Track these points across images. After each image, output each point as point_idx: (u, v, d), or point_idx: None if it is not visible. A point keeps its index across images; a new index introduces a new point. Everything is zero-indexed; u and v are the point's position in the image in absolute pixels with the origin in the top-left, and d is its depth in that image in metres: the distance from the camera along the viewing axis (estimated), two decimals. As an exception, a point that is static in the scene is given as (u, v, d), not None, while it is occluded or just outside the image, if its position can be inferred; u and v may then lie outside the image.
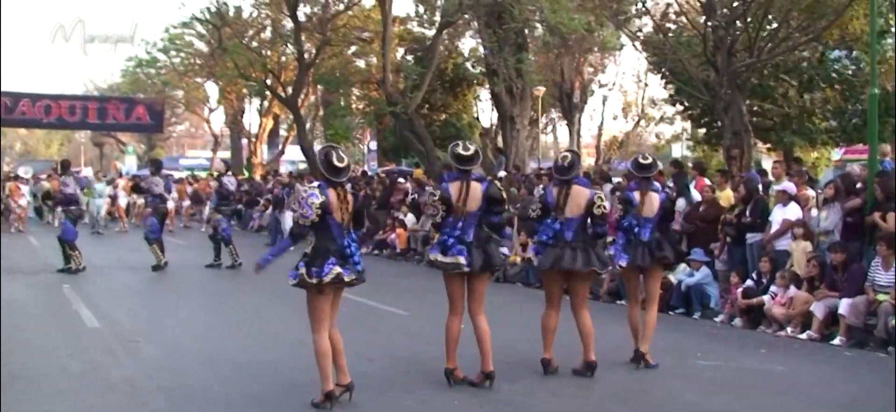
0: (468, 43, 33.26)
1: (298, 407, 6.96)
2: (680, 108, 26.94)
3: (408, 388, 7.65)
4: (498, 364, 7.79)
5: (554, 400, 7.46)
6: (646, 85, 33.20)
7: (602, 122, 45.48)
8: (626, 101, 44.45)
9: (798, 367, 9.25)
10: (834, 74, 21.70)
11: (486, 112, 39.49)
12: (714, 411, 7.40)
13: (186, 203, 30.51)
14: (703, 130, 25.52)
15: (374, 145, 40.33)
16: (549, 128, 49.25)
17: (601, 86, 42.53)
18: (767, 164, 18.66)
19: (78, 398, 7.34)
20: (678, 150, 39.03)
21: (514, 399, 7.41)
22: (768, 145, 24.29)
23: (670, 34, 19.57)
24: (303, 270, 6.72)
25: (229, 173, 19.76)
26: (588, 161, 39.74)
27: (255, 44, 33.53)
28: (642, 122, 42.82)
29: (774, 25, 18.02)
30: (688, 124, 29.21)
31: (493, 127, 34.87)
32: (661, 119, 35.57)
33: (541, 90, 34.09)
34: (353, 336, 10.17)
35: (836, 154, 26.97)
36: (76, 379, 8.01)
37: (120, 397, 7.42)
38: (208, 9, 31.12)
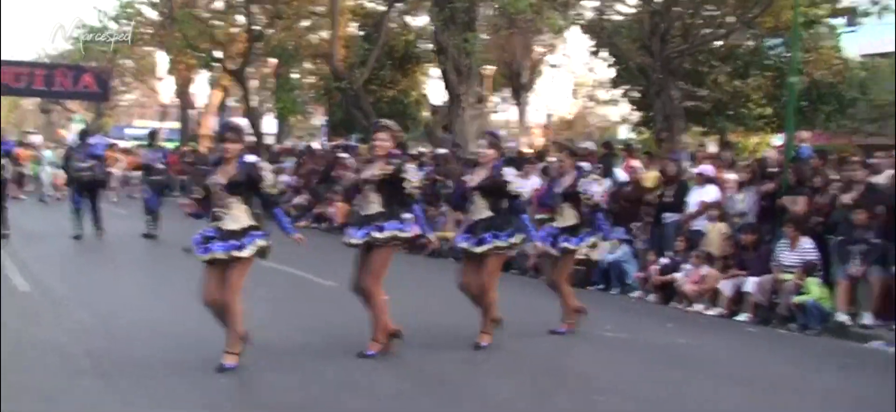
0: (421, 20, 33.44)
1: (216, 374, 7.14)
2: (621, 91, 27.45)
3: (330, 358, 7.86)
4: (419, 335, 8.20)
5: (463, 368, 7.87)
6: (591, 69, 33.57)
7: (550, 103, 45.86)
8: (575, 83, 44.83)
9: (700, 341, 9.79)
10: (768, 62, 22.27)
11: (436, 90, 39.72)
12: (608, 379, 7.84)
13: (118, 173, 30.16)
14: (640, 113, 26.02)
15: (325, 120, 40.39)
16: (502, 107, 49.60)
17: (551, 67, 42.89)
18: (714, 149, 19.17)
19: (5, 361, 7.54)
20: (625, 133, 39.56)
21: (425, 368, 7.81)
22: (703, 130, 24.88)
23: (610, 18, 19.99)
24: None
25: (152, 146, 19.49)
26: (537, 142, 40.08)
27: (206, 15, 33.43)
28: (590, 104, 43.24)
29: (712, 12, 18.48)
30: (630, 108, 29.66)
31: (443, 104, 35.14)
32: (608, 101, 35.99)
33: (491, 70, 34.46)
34: (285, 308, 10.62)
35: (778, 139, 27.61)
36: (5, 342, 8.19)
37: (45, 359, 7.64)
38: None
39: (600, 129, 41.83)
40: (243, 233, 7.16)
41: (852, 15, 17.29)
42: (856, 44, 28.28)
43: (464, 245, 8.39)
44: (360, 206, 7.93)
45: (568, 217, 9.31)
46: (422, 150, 25.69)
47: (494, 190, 8.40)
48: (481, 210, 8.37)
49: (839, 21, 22.68)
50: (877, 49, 27.43)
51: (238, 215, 7.18)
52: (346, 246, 7.91)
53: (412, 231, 8.00)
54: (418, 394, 7.01)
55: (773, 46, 23.41)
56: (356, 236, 7.75)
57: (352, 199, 8.03)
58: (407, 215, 7.94)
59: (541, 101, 46.74)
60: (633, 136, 32.69)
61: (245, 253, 7.14)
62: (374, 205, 7.80)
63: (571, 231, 9.25)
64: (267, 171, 7.42)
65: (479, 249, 8.28)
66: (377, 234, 7.69)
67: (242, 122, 41.45)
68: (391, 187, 7.80)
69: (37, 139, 34.23)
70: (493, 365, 8.01)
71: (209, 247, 7.11)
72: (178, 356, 7.65)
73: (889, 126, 22.26)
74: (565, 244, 9.22)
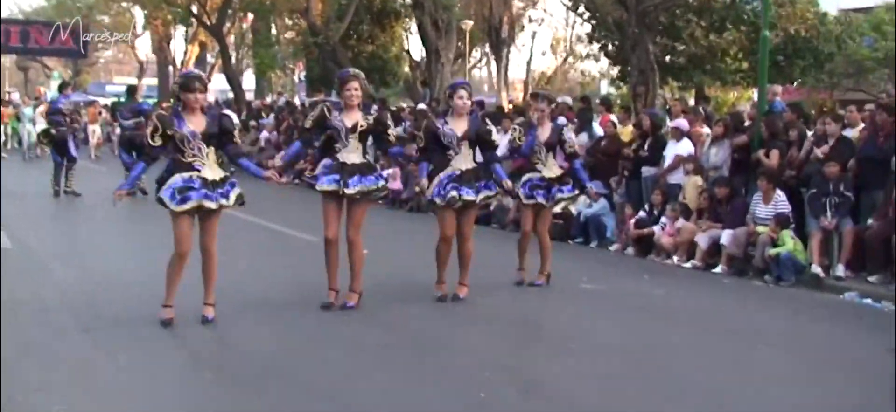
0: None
1: (193, 328, 7.26)
2: (597, 46, 27.52)
3: (309, 311, 7.94)
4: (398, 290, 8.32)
5: (441, 322, 8.00)
6: (573, 23, 33.69)
7: (530, 58, 45.96)
8: (555, 38, 44.90)
9: (675, 292, 9.93)
10: (744, 16, 22.37)
11: (416, 45, 39.67)
12: (584, 329, 8.01)
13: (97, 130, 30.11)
14: (617, 68, 26.12)
15: (304, 75, 40.29)
16: (483, 62, 49.62)
17: (531, 21, 42.89)
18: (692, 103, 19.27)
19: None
20: (605, 88, 39.70)
21: (401, 321, 7.93)
22: (680, 84, 25.02)
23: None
24: None
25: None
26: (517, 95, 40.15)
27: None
28: (570, 59, 43.35)
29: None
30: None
31: (423, 60, 35.11)
32: (588, 56, 36.10)
33: (468, 24, 34.43)
34: (263, 261, 10.72)
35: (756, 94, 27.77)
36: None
37: (27, 313, 7.75)
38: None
39: (582, 85, 41.90)
40: (223, 181, 7.23)
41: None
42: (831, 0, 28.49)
43: (470, 196, 8.32)
44: (340, 155, 7.83)
45: (552, 167, 9.36)
46: (402, 105, 25.73)
47: (479, 140, 8.51)
48: (467, 160, 8.42)
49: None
50: (853, 4, 27.64)
51: (213, 165, 7.24)
52: (320, 192, 7.87)
53: (395, 184, 8.10)
54: (397, 346, 7.10)
55: (750, 1, 23.52)
56: (349, 185, 7.73)
57: (330, 148, 7.87)
58: (387, 171, 8.03)
59: (521, 57, 46.74)
60: (612, 91, 32.85)
61: (231, 201, 7.25)
62: (354, 154, 7.83)
63: (558, 181, 9.31)
64: (235, 119, 7.46)
65: (478, 198, 8.39)
66: (369, 186, 7.83)
67: (219, 77, 41.52)
68: (371, 138, 8.01)
69: (15, 97, 34.02)
70: (470, 317, 8.12)
71: (189, 196, 7.04)
72: (157, 309, 7.50)
73: (864, 81, 22.48)
74: (559, 195, 9.34)
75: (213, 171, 7.20)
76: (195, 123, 7.11)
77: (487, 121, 8.91)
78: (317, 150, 8.08)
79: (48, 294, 8.55)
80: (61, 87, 18.51)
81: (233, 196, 7.27)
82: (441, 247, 8.49)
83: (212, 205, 7.13)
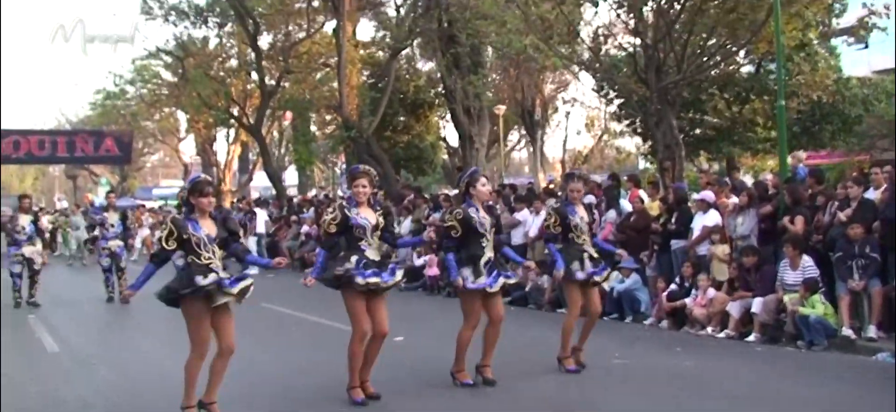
0: (429, 65, 34.03)
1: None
2: (626, 123, 27.80)
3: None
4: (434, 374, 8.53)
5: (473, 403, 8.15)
6: (603, 102, 33.90)
7: (566, 137, 46.39)
8: (589, 116, 45.22)
9: (707, 362, 9.99)
10: (768, 86, 22.48)
11: (452, 132, 40.26)
12: (614, 405, 8.11)
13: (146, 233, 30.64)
14: (647, 143, 26.30)
15: (344, 168, 40.97)
16: (522, 144, 50.06)
17: (564, 102, 43.32)
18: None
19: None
20: (643, 164, 39.81)
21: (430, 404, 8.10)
22: (708, 155, 25.13)
23: (606, 54, 20.33)
24: None
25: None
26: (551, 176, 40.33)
27: (221, 73, 34.16)
28: (605, 137, 43.61)
29: (710, 42, 18.76)
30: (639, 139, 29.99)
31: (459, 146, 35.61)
32: (622, 133, 36.33)
33: (501, 109, 34.91)
34: (296, 353, 10.93)
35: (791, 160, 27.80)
36: (32, 399, 8.65)
37: (69, 413, 8.05)
38: (171, 41, 31.93)
39: (617, 161, 42.06)
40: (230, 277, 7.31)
41: (856, 33, 17.36)
42: (863, 63, 28.60)
43: (512, 279, 8.65)
44: (368, 253, 7.84)
45: (591, 246, 9.24)
46: (446, 192, 26.05)
47: (496, 228, 8.64)
48: (490, 248, 8.47)
49: (839, 41, 22.84)
50: (886, 65, 27.69)
51: (221, 266, 7.32)
52: (359, 289, 7.74)
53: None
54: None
55: (773, 70, 23.67)
56: (386, 279, 7.82)
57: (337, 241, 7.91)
58: (424, 258, 8.05)
59: (556, 137, 47.08)
60: (648, 166, 33.00)
61: (237, 290, 7.22)
62: (376, 252, 7.93)
63: (595, 262, 9.19)
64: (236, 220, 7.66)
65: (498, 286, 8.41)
66: (397, 279, 8.03)
67: (261, 174, 42.31)
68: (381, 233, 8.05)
69: (63, 204, 34.91)
70: (501, 400, 8.19)
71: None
72: None
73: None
74: (596, 276, 9.22)
75: (224, 273, 7.28)
76: (208, 227, 7.24)
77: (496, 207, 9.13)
78: (322, 251, 8.02)
79: (90, 394, 8.84)
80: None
81: (239, 286, 7.24)
82: (469, 335, 8.49)
83: (230, 290, 7.13)
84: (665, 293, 12.76)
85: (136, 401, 8.58)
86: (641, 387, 8.70)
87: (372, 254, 7.85)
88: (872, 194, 11.44)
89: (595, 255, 9.20)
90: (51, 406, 8.38)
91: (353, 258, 7.75)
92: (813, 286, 10.81)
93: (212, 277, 7.07)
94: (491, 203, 8.92)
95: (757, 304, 11.25)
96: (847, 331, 10.50)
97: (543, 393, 8.63)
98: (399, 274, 8.12)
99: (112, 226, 16.94)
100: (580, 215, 9.17)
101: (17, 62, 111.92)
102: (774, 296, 11.23)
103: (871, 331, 10.38)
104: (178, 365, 10.17)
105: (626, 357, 10.22)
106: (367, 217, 7.86)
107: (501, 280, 8.38)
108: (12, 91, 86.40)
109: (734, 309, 11.57)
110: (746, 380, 9.16)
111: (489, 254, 8.40)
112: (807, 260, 11.08)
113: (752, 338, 11.24)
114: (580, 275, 9.06)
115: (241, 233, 7.72)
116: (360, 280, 7.69)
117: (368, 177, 7.97)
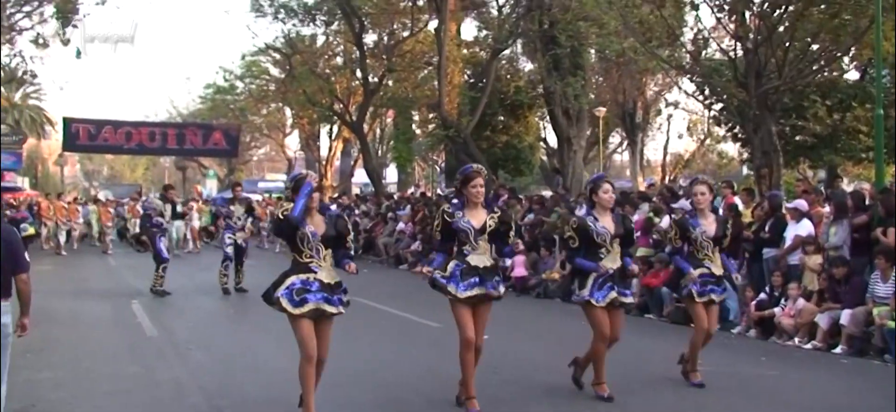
0: (530, 66, 34.12)
1: None
2: (727, 128, 27.45)
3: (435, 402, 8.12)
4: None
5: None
6: (706, 107, 33.38)
7: (667, 142, 45.89)
8: (691, 120, 44.65)
9: (791, 373, 9.90)
10: (874, 92, 21.90)
11: (551, 133, 40.23)
12: (683, 410, 8.15)
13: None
14: (746, 149, 25.92)
15: (444, 166, 41.36)
16: (623, 147, 49.67)
17: (667, 105, 42.85)
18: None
19: (128, 396, 8.46)
20: (745, 170, 39.16)
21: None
22: (809, 163, 24.63)
23: (706, 59, 20.17)
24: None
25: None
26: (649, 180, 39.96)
27: (326, 71, 34.90)
28: (707, 141, 43.01)
29: (813, 47, 18.46)
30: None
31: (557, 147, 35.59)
32: (724, 138, 35.82)
33: (602, 111, 34.77)
34: (386, 349, 11.19)
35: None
36: (130, 379, 9.16)
37: (164, 394, 8.52)
38: (280, 38, 32.76)
39: (719, 167, 41.47)
40: (338, 287, 7.07)
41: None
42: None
43: (628, 299, 8.29)
44: (470, 258, 7.53)
45: (718, 263, 8.78)
46: (545, 193, 26.14)
47: (625, 238, 8.30)
48: (616, 259, 8.12)
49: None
50: None
51: (329, 269, 7.04)
52: (458, 300, 7.48)
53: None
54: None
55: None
56: (490, 288, 7.52)
57: (449, 245, 7.65)
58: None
59: (658, 140, 46.57)
60: (751, 172, 32.45)
61: (341, 310, 7.10)
62: (484, 257, 7.56)
63: (717, 281, 8.78)
64: (349, 224, 7.47)
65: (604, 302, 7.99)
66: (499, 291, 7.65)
67: (361, 171, 43.00)
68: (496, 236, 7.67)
69: (102, 194, 36.21)
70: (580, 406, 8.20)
71: (307, 298, 6.86)
72: (284, 393, 7.82)
73: None
74: (715, 296, 8.81)
75: (328, 275, 7.00)
76: (315, 224, 6.97)
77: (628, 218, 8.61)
78: (438, 244, 7.88)
79: (183, 376, 9.32)
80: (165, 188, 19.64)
81: (342, 307, 7.10)
82: (602, 348, 8.14)
83: (331, 309, 6.98)
84: (754, 302, 12.65)
85: (226, 383, 8.96)
86: (715, 395, 8.62)
87: (475, 260, 7.48)
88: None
89: (716, 273, 8.71)
90: (147, 385, 8.88)
91: (450, 266, 7.49)
92: (904, 299, 10.62)
93: (310, 304, 6.86)
94: (623, 213, 8.65)
95: (845, 316, 11.08)
96: (937, 347, 10.28)
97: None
98: (501, 288, 7.74)
99: (238, 219, 17.22)
100: (702, 229, 8.65)
101: (136, 55, 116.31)
102: (864, 308, 11.05)
103: (964, 348, 10.14)
104: (269, 353, 10.64)
105: (709, 365, 10.15)
106: (470, 220, 7.51)
107: (611, 294, 7.97)
108: (126, 84, 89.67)
109: (822, 320, 11.42)
110: (828, 392, 9.08)
111: (610, 265, 8.03)
112: (898, 272, 10.88)
113: (838, 350, 11.08)
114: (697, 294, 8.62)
115: (349, 237, 7.33)
116: (453, 289, 7.41)
117: (482, 176, 7.60)
